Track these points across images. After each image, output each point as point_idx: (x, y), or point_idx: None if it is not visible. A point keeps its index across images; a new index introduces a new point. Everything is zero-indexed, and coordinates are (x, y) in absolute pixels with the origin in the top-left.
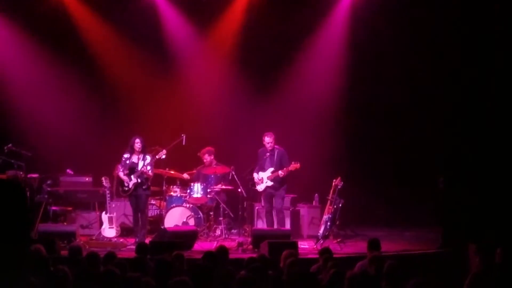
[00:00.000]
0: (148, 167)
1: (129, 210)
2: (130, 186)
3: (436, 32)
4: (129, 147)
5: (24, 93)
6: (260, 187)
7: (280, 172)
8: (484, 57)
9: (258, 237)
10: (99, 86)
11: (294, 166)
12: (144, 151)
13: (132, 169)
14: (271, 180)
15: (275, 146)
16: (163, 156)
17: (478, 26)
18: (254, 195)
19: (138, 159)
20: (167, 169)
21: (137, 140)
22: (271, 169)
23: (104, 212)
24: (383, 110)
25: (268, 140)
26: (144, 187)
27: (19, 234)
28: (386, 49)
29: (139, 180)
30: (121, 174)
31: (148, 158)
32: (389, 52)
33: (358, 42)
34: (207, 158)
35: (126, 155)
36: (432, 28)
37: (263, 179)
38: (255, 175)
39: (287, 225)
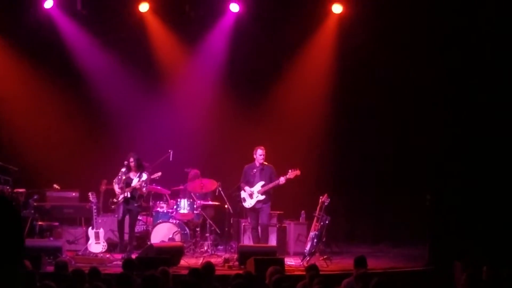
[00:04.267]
0: (143, 184)
1: (115, 225)
2: (119, 199)
3: (424, 41)
4: (126, 163)
5: (11, 108)
6: (248, 203)
7: (281, 178)
8: (477, 69)
9: (245, 254)
10: (87, 102)
11: (294, 173)
12: (140, 168)
13: (127, 184)
14: (262, 194)
15: (264, 162)
16: (157, 178)
17: (469, 29)
18: (241, 211)
19: (134, 175)
20: (153, 184)
21: (131, 159)
22: (262, 182)
23: (90, 228)
24: (370, 127)
25: (261, 152)
26: (136, 204)
27: (13, 251)
28: (374, 64)
29: (129, 195)
30: (115, 187)
31: (144, 176)
32: (377, 66)
33: (346, 58)
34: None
35: (123, 170)
36: (420, 37)
37: (253, 193)
38: (243, 192)
39: (273, 242)
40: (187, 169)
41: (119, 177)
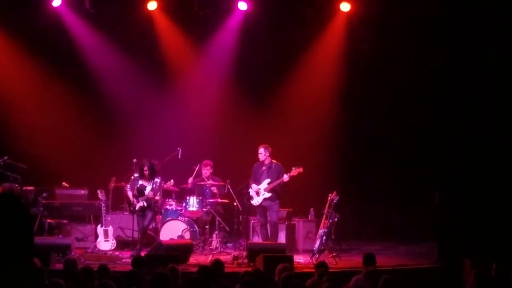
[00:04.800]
0: (157, 192)
1: (124, 223)
2: (137, 208)
3: (433, 39)
4: (139, 169)
5: (21, 107)
6: (256, 201)
7: (285, 176)
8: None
9: (254, 251)
10: (96, 99)
11: (297, 170)
12: (153, 175)
13: (140, 191)
14: (269, 191)
15: (272, 161)
16: (171, 186)
17: (478, 27)
18: (250, 209)
19: (148, 183)
20: (162, 182)
21: (145, 168)
22: (268, 180)
23: (99, 225)
24: (379, 125)
25: (261, 151)
26: (152, 210)
27: (22, 249)
28: (382, 65)
29: (145, 204)
30: (129, 194)
31: (157, 181)
32: (385, 67)
33: (353, 56)
34: (206, 171)
35: (136, 175)
36: (429, 35)
37: (260, 191)
38: (250, 190)
39: (282, 239)
40: (195, 166)
41: (131, 182)
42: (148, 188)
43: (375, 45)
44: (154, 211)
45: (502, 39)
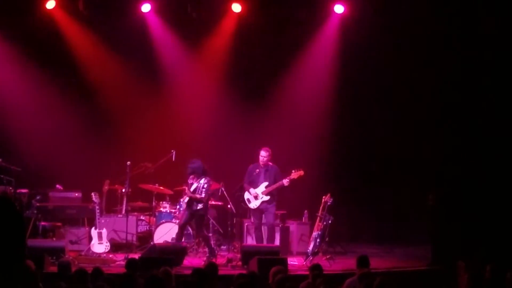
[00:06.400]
0: (199, 190)
1: (118, 226)
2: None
3: (426, 41)
4: None
5: (14, 109)
6: (254, 204)
7: (285, 180)
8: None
9: (248, 254)
10: (89, 102)
11: (297, 173)
12: (198, 175)
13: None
14: (267, 195)
15: (269, 163)
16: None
17: (470, 29)
18: (243, 211)
19: (196, 182)
20: (156, 184)
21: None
22: (266, 183)
23: (93, 228)
24: (373, 126)
25: (264, 154)
26: (194, 208)
27: (14, 252)
28: (376, 63)
29: (186, 199)
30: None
31: (201, 182)
32: (379, 66)
33: (348, 58)
34: None
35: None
36: (422, 37)
37: (258, 195)
38: (247, 193)
39: (276, 242)
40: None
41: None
42: (193, 187)
43: (370, 47)
44: (199, 210)
45: (501, 41)
